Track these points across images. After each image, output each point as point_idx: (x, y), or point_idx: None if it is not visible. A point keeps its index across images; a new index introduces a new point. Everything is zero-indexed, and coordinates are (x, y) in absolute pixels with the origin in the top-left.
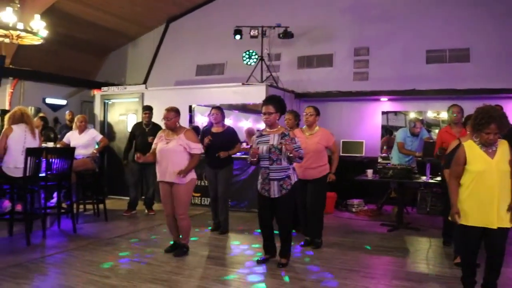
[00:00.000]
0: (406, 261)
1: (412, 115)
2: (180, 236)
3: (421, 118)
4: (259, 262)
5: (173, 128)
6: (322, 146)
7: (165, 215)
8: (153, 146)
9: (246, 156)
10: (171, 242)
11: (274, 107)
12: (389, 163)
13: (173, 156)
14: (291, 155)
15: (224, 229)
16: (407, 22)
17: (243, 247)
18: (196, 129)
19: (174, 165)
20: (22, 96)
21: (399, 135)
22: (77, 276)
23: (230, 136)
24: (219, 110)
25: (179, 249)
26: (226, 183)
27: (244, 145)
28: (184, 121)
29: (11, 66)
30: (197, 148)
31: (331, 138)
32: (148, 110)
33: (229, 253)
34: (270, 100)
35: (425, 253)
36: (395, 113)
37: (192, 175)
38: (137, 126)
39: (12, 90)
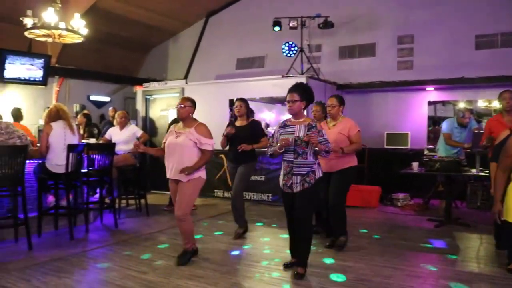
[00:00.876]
0: (455, 259)
1: (461, 105)
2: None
3: (470, 108)
4: (286, 267)
5: (185, 117)
6: (344, 136)
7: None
8: (163, 140)
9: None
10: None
11: (298, 94)
12: (436, 156)
13: (181, 151)
14: (316, 148)
15: (241, 227)
16: (454, 6)
17: (285, 241)
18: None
19: (181, 161)
20: (67, 94)
21: (445, 126)
22: (116, 271)
23: (254, 130)
24: (243, 102)
25: (182, 256)
26: (244, 178)
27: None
28: (224, 116)
29: (56, 65)
30: (209, 144)
31: (354, 127)
32: None
33: (267, 250)
34: (295, 87)
35: (475, 251)
36: (443, 103)
37: (201, 173)
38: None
39: (58, 89)
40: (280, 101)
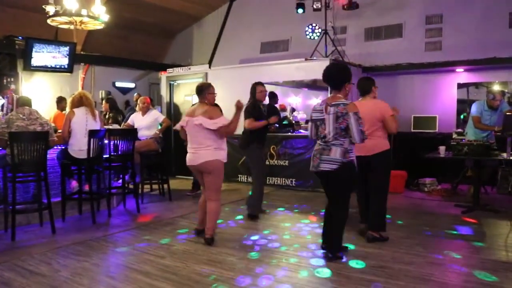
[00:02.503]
0: (481, 246)
1: (496, 88)
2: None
3: (505, 90)
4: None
5: (213, 102)
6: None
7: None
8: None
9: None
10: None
11: None
12: (464, 139)
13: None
14: None
15: (252, 212)
16: None
17: (306, 227)
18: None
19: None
20: (93, 81)
21: (474, 109)
22: (134, 255)
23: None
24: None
25: (207, 240)
26: (252, 167)
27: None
28: (247, 100)
29: (82, 52)
30: (213, 123)
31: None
32: None
33: (286, 235)
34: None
35: (503, 238)
36: (476, 85)
37: (220, 154)
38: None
39: (83, 76)
40: (309, 85)
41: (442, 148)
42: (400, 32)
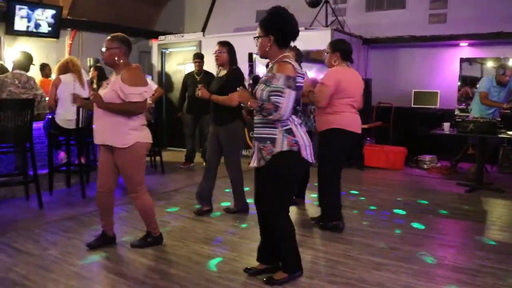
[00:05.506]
0: (489, 228)
1: (495, 63)
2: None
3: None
4: (250, 274)
5: (109, 63)
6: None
7: (99, 191)
8: None
9: None
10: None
11: (261, 27)
12: (469, 116)
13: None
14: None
15: (239, 207)
16: None
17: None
18: (256, 78)
19: (103, 122)
20: (80, 47)
21: (482, 84)
22: (128, 233)
23: (229, 81)
24: (224, 46)
25: (140, 239)
26: (230, 149)
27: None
28: (244, 70)
29: (68, 17)
30: (136, 94)
31: (323, 78)
32: (198, 58)
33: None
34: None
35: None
36: (469, 61)
37: (136, 136)
38: (189, 75)
39: (71, 42)
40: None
41: (446, 125)
42: (403, 3)
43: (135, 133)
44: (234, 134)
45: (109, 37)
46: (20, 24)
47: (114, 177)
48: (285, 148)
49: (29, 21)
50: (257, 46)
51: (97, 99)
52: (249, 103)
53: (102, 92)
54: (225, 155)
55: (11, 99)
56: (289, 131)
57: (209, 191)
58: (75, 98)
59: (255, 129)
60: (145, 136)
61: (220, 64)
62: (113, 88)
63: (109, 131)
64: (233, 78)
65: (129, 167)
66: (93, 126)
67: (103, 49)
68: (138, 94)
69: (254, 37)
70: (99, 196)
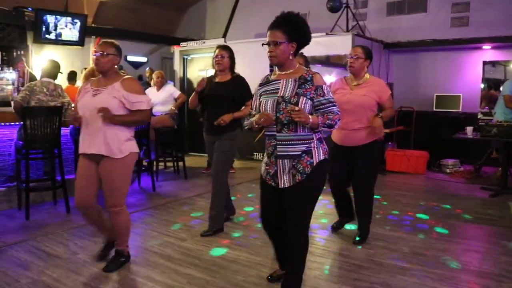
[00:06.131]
0: None
1: None
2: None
3: None
4: (270, 280)
5: (107, 69)
6: (372, 100)
7: (80, 207)
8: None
9: None
10: (103, 244)
11: (284, 33)
12: (492, 120)
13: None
14: (307, 124)
15: (213, 227)
16: None
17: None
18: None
19: (101, 130)
20: None
21: (506, 87)
22: (154, 237)
23: (237, 89)
24: (226, 51)
25: (111, 261)
26: (224, 159)
27: None
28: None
29: (93, 25)
30: (144, 102)
31: (387, 90)
32: None
33: None
34: (278, 21)
35: None
36: (504, 63)
37: (132, 146)
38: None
39: (95, 49)
40: (322, 61)
41: (469, 129)
42: (424, 7)
43: (129, 143)
44: (234, 144)
45: (104, 42)
46: (47, 32)
47: (96, 190)
48: (322, 157)
49: (55, 29)
50: (272, 52)
51: (109, 115)
52: (311, 120)
53: (93, 99)
54: (218, 165)
55: (40, 106)
56: (321, 140)
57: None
58: (75, 118)
59: (279, 147)
60: (136, 147)
61: (221, 69)
62: (114, 95)
63: (103, 140)
64: (243, 86)
65: (118, 179)
66: (83, 134)
67: (98, 54)
68: (145, 102)
69: (269, 43)
70: (85, 216)
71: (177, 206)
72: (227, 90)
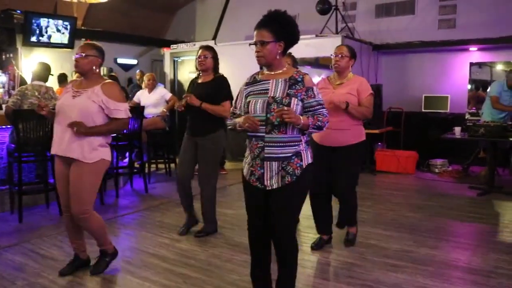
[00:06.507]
0: (503, 230)
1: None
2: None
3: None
4: None
5: (86, 71)
6: (353, 98)
7: (63, 211)
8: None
9: None
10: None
11: (272, 32)
12: (480, 120)
13: (80, 116)
14: (298, 125)
15: (207, 229)
16: None
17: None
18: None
19: (71, 132)
20: None
21: (493, 89)
22: (148, 238)
23: (217, 88)
24: (209, 51)
25: (97, 263)
26: (210, 160)
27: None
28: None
29: (82, 27)
30: (121, 110)
31: (367, 89)
32: None
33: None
34: (266, 20)
35: None
36: (479, 65)
37: (104, 153)
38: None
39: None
40: (311, 63)
41: (457, 129)
42: (412, 9)
43: (102, 150)
44: (218, 145)
45: (85, 44)
46: (36, 35)
47: None
48: (310, 160)
49: (45, 32)
50: (259, 52)
51: (81, 128)
52: (302, 121)
53: (72, 100)
54: (204, 169)
55: (32, 109)
56: (308, 143)
57: (189, 206)
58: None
59: (267, 149)
60: (108, 155)
61: (203, 69)
62: (93, 99)
63: (76, 143)
64: (222, 86)
65: (86, 185)
66: (55, 133)
67: (77, 56)
68: (123, 111)
69: (256, 43)
70: (66, 218)
71: (170, 207)
72: (207, 91)
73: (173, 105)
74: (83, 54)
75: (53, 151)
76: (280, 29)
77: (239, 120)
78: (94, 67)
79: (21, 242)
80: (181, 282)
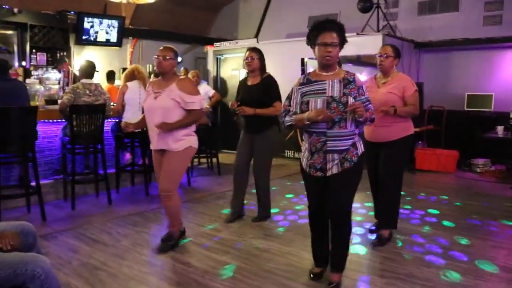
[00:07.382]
0: None
1: None
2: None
3: None
4: (314, 278)
5: (167, 71)
6: (395, 96)
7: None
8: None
9: None
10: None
11: (337, 34)
12: None
13: (163, 114)
14: (360, 119)
15: (263, 214)
16: None
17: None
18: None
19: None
20: (141, 55)
21: None
22: (190, 228)
23: (266, 90)
24: (255, 53)
25: (164, 243)
26: (265, 155)
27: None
28: (296, 75)
29: (130, 26)
30: (195, 102)
31: (411, 86)
32: None
33: None
34: (329, 23)
35: None
36: None
37: (191, 141)
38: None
39: (132, 50)
40: (353, 61)
41: (500, 128)
42: (456, 6)
43: (187, 139)
44: (271, 141)
45: (166, 48)
46: (87, 34)
47: None
48: (363, 149)
49: (95, 31)
50: (331, 52)
51: (165, 128)
52: (364, 114)
53: (155, 102)
54: (259, 163)
55: (84, 104)
56: (359, 136)
57: (242, 194)
58: (126, 125)
59: (329, 142)
60: (195, 142)
61: (251, 70)
62: (171, 97)
63: (163, 138)
64: (271, 88)
65: (173, 166)
66: (149, 133)
67: (162, 58)
68: (197, 102)
69: (330, 43)
70: (163, 198)
71: (212, 200)
72: (258, 96)
73: (216, 102)
74: (166, 57)
75: (151, 146)
76: (341, 34)
77: (305, 115)
78: (173, 68)
79: (74, 227)
80: (220, 268)
